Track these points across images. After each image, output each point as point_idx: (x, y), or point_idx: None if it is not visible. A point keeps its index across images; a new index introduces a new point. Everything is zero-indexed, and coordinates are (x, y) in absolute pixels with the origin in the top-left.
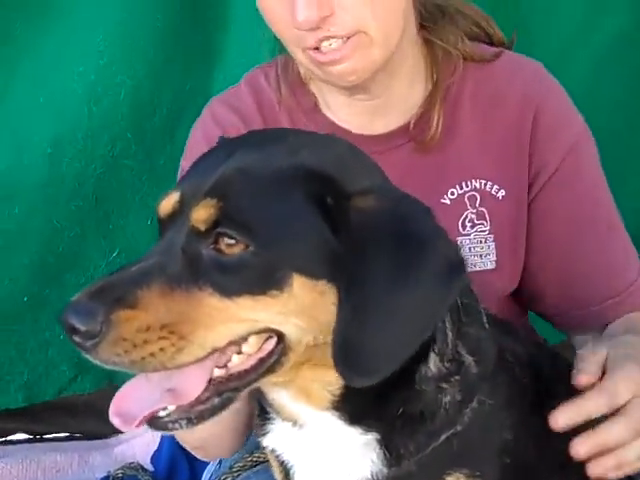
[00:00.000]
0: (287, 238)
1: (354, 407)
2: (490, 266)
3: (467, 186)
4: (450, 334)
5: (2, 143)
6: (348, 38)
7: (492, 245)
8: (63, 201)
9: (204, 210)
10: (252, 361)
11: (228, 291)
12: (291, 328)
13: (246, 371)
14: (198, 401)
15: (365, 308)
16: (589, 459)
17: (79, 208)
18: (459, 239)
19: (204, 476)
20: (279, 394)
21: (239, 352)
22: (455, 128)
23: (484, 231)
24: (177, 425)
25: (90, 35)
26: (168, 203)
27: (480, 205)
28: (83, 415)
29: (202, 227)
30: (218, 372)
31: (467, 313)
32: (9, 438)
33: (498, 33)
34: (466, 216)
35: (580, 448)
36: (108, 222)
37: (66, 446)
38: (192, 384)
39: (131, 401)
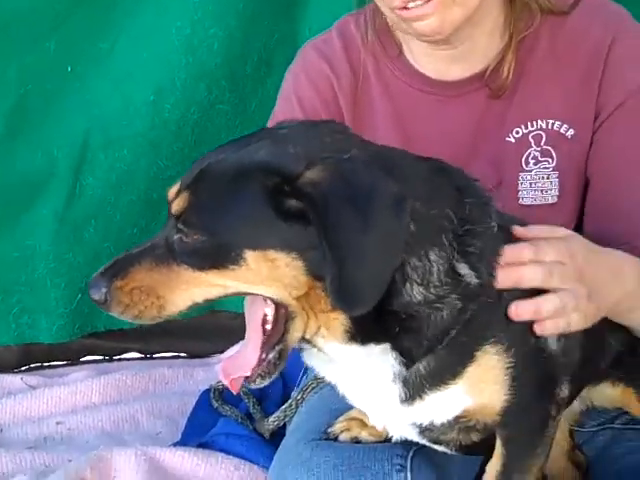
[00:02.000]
0: (235, 225)
1: (362, 332)
2: (551, 200)
3: (532, 126)
4: (435, 265)
5: (112, 94)
6: None
7: (555, 181)
8: (166, 143)
9: (177, 203)
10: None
11: (198, 266)
12: (263, 291)
13: (272, 328)
14: (260, 362)
15: (343, 258)
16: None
17: (180, 149)
18: (520, 174)
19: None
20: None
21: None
22: (527, 75)
23: (548, 168)
24: (256, 382)
25: None
26: (171, 192)
27: (545, 143)
28: (185, 337)
29: (175, 217)
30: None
31: (473, 235)
32: (124, 356)
33: None
34: (529, 153)
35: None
36: None
37: (172, 363)
38: (249, 357)
39: (225, 366)
